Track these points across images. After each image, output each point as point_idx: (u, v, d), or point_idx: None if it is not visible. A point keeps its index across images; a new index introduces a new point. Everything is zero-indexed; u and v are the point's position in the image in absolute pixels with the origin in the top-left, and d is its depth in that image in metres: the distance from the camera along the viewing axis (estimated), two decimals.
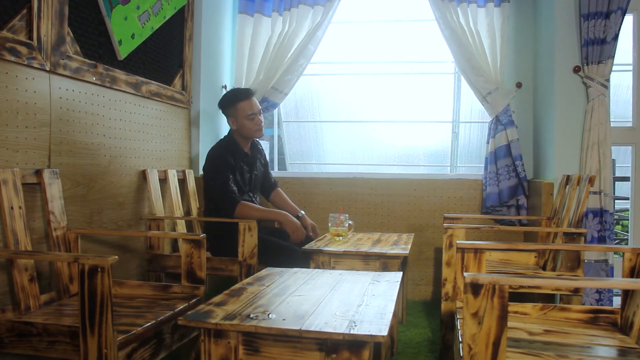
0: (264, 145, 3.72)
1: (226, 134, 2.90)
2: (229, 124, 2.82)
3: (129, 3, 2.55)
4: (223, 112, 2.87)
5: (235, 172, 2.74)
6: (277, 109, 3.77)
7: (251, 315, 1.38)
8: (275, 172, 3.61)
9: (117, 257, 1.46)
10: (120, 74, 2.52)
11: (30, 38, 1.97)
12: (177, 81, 3.10)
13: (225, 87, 3.56)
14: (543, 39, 3.16)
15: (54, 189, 2.00)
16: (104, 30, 2.41)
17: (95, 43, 2.36)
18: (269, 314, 1.39)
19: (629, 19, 2.91)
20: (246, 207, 2.66)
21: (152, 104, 2.83)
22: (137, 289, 2.05)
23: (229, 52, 3.66)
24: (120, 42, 2.49)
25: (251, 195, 2.87)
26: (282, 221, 2.71)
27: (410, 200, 3.43)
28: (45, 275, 2.03)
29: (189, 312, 1.42)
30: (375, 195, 3.47)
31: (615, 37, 2.72)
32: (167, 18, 2.90)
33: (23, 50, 1.92)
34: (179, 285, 2.02)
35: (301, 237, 2.68)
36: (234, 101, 2.78)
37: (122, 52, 2.52)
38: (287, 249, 2.61)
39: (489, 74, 3.20)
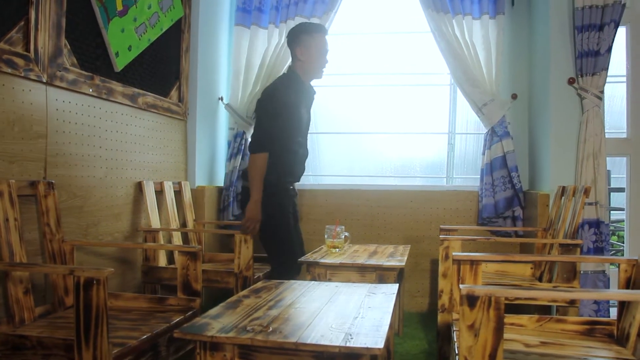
0: None
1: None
2: (295, 53, 2.61)
3: (126, 15, 2.56)
4: (292, 42, 2.62)
5: (299, 109, 2.58)
6: None
7: (247, 328, 1.37)
8: None
9: (112, 269, 1.46)
10: (117, 86, 2.53)
11: (28, 50, 1.98)
12: (174, 93, 3.11)
13: (221, 99, 3.57)
14: (538, 50, 3.18)
15: (49, 201, 1.99)
16: (101, 42, 2.42)
17: (92, 55, 2.37)
18: (265, 327, 1.39)
19: (622, 31, 2.94)
20: (260, 161, 2.50)
21: (149, 116, 2.83)
22: (133, 302, 2.04)
23: (225, 64, 3.67)
24: (117, 54, 2.51)
25: (303, 137, 2.71)
26: (249, 208, 2.52)
27: (407, 211, 3.44)
28: (40, 287, 2.02)
29: (185, 325, 1.42)
30: (372, 206, 3.48)
31: (609, 49, 2.74)
32: (163, 30, 2.92)
33: (20, 62, 1.93)
34: (175, 297, 2.01)
35: (252, 230, 2.52)
36: (311, 30, 2.59)
37: (119, 64, 2.53)
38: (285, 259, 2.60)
39: (485, 85, 3.22)
